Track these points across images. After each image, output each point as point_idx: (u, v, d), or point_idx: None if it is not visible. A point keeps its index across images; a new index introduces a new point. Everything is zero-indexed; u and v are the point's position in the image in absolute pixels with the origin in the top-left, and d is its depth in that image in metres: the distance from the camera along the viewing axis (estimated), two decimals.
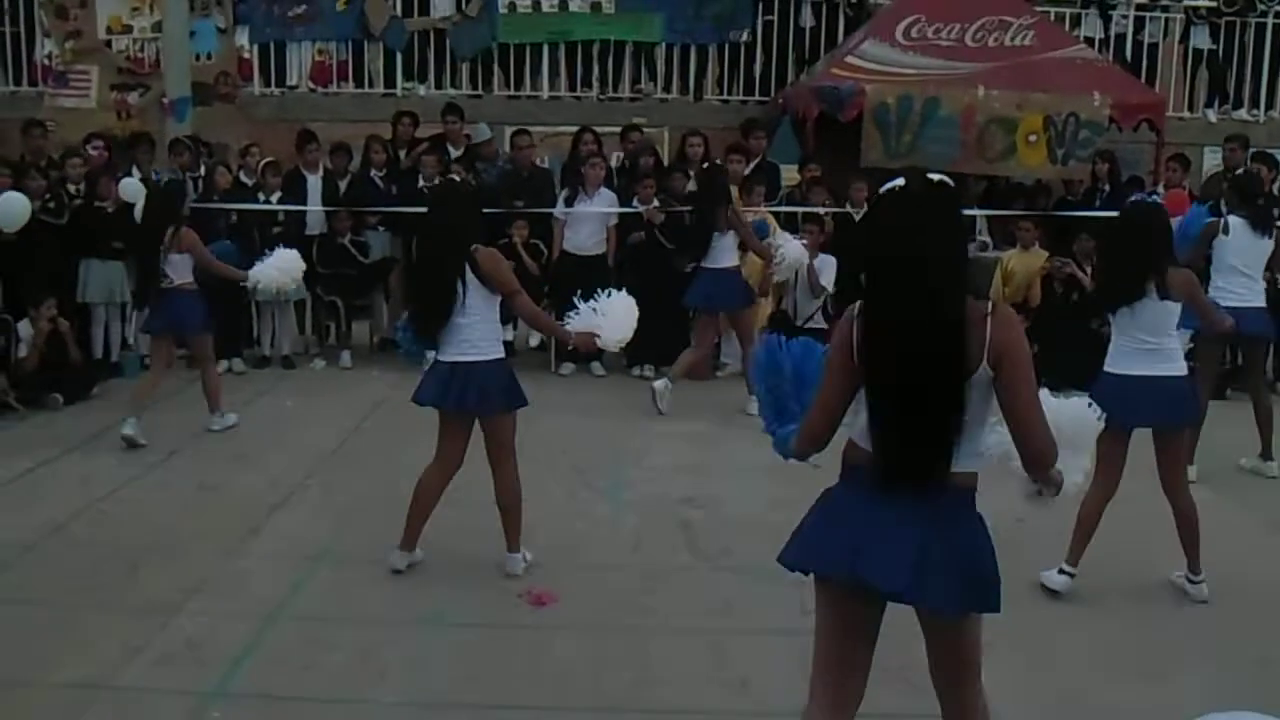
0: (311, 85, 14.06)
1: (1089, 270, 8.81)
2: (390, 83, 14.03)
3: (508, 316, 9.53)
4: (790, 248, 9.21)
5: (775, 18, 13.88)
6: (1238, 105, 13.98)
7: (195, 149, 10.88)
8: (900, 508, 2.99)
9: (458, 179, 10.22)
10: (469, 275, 5.33)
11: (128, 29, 13.89)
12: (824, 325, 10.04)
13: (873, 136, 11.17)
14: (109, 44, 13.82)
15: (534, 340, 10.72)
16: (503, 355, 5.54)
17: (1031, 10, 12.30)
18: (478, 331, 5.40)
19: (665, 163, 11.42)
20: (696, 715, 4.41)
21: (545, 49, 13.95)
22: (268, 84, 14.04)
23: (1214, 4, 13.83)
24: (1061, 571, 5.49)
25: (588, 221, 10.10)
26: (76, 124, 12.71)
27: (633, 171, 10.67)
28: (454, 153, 11.04)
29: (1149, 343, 5.38)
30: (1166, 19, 13.98)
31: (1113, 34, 13.92)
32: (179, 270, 8.04)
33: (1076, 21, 13.84)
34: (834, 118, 11.28)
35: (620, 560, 5.93)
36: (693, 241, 9.07)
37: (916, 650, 3.27)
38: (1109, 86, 11.59)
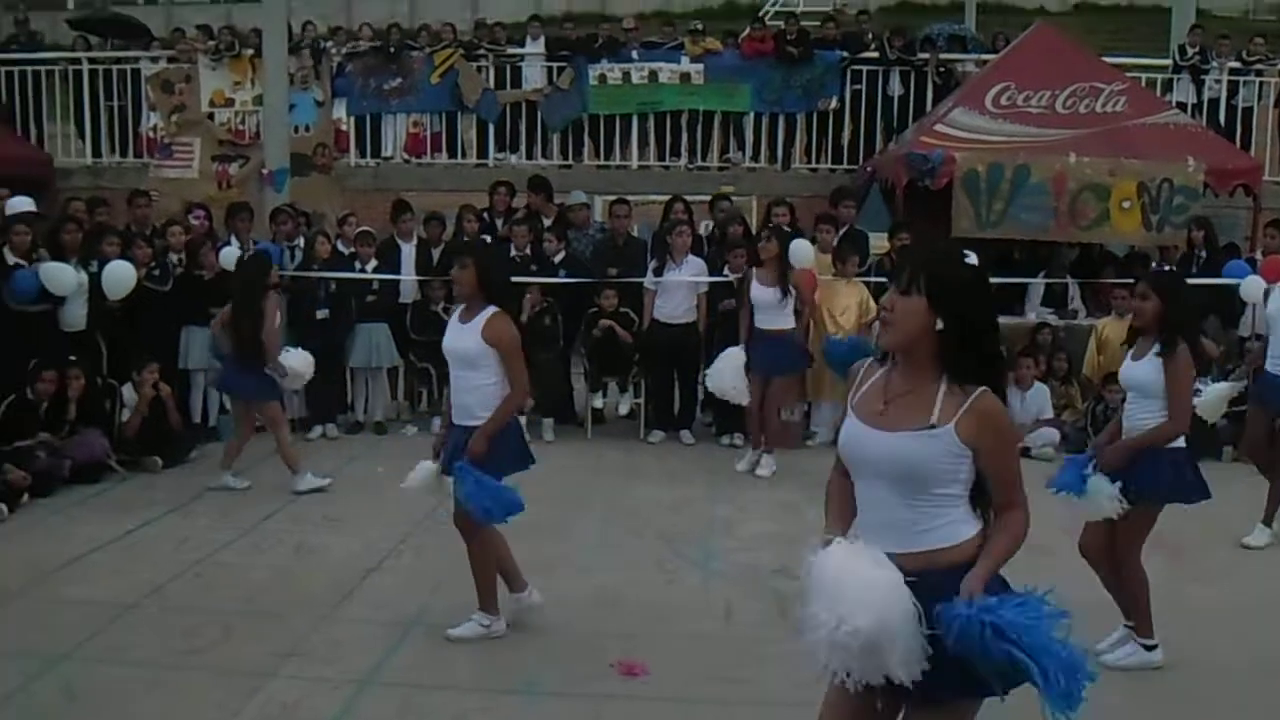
0: (406, 156, 14.39)
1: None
2: (483, 153, 14.27)
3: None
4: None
5: (863, 86, 13.95)
6: None
7: (296, 218, 11.11)
8: None
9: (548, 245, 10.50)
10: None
11: (229, 102, 14.33)
12: None
13: (963, 204, 11.11)
14: (211, 116, 14.28)
15: (623, 409, 10.74)
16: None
17: (1122, 76, 12.22)
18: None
19: (753, 231, 11.45)
20: None
21: (635, 119, 14.14)
22: (363, 155, 14.37)
23: None
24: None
25: (677, 290, 10.14)
26: (179, 193, 13.15)
27: (722, 240, 10.71)
28: (547, 222, 11.16)
29: None
30: (1261, 83, 13.82)
31: (1205, 98, 13.80)
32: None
33: (1169, 86, 13.74)
34: (923, 186, 11.25)
35: (711, 630, 5.89)
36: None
37: None
38: (1203, 151, 11.43)
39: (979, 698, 2.99)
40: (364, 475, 9.09)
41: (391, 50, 14.25)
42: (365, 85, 14.29)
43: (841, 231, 10.80)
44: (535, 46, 14.50)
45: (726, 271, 10.12)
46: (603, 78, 14.00)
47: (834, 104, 13.97)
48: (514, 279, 10.10)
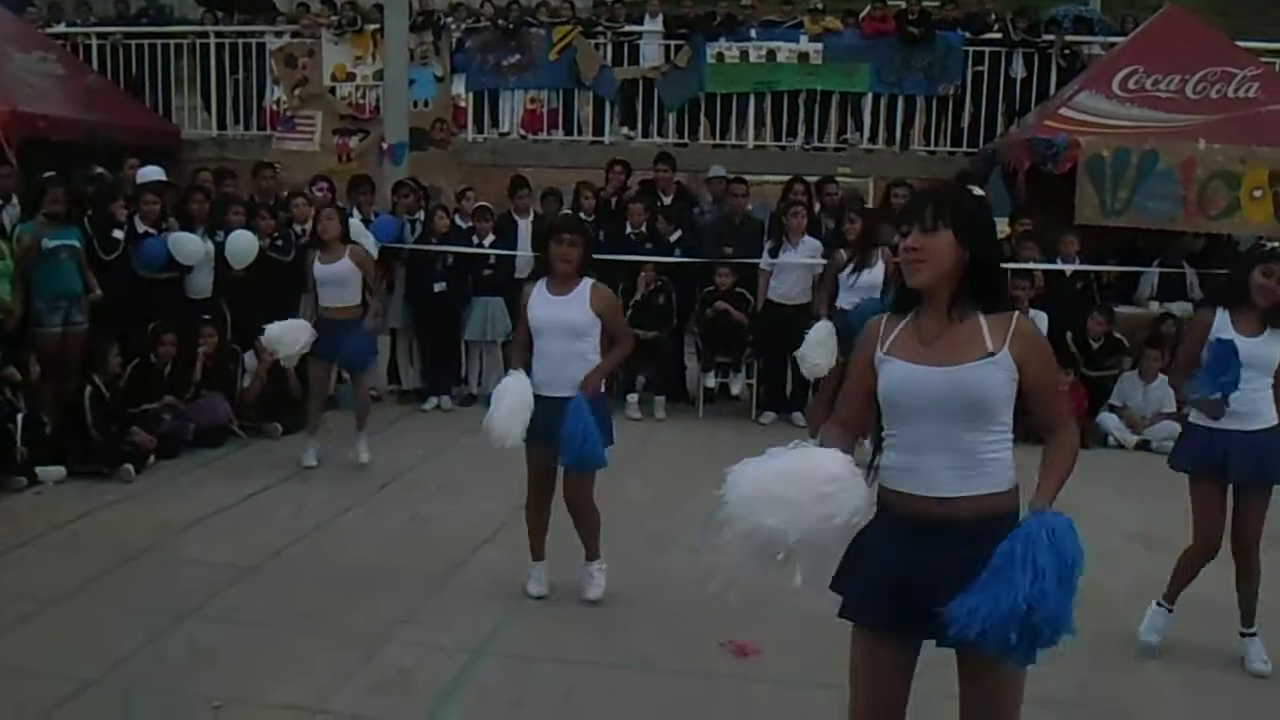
0: (523, 132, 14.46)
1: None
2: (599, 130, 14.30)
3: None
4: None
5: (985, 68, 13.70)
6: None
7: (418, 193, 11.24)
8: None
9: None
10: None
11: (351, 77, 14.57)
12: None
13: (1087, 191, 10.83)
14: (333, 91, 14.54)
15: (736, 389, 10.69)
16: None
17: (1256, 61, 11.82)
18: None
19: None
20: None
21: (751, 98, 14.04)
22: (480, 130, 14.48)
23: None
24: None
25: (792, 271, 10.08)
26: (301, 166, 13.37)
27: (839, 223, 10.60)
28: (664, 200, 11.17)
29: None
30: None
31: None
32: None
33: None
34: (1046, 170, 11.02)
35: (825, 613, 5.83)
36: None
37: None
38: None
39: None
40: (477, 446, 9.17)
41: (510, 27, 14.33)
42: (484, 61, 14.40)
43: None
44: (653, 24, 14.46)
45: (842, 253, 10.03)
46: (720, 56, 13.94)
47: (954, 89, 13.74)
48: (629, 257, 10.24)
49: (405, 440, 8.99)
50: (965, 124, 13.88)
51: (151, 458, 8.25)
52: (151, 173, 10.57)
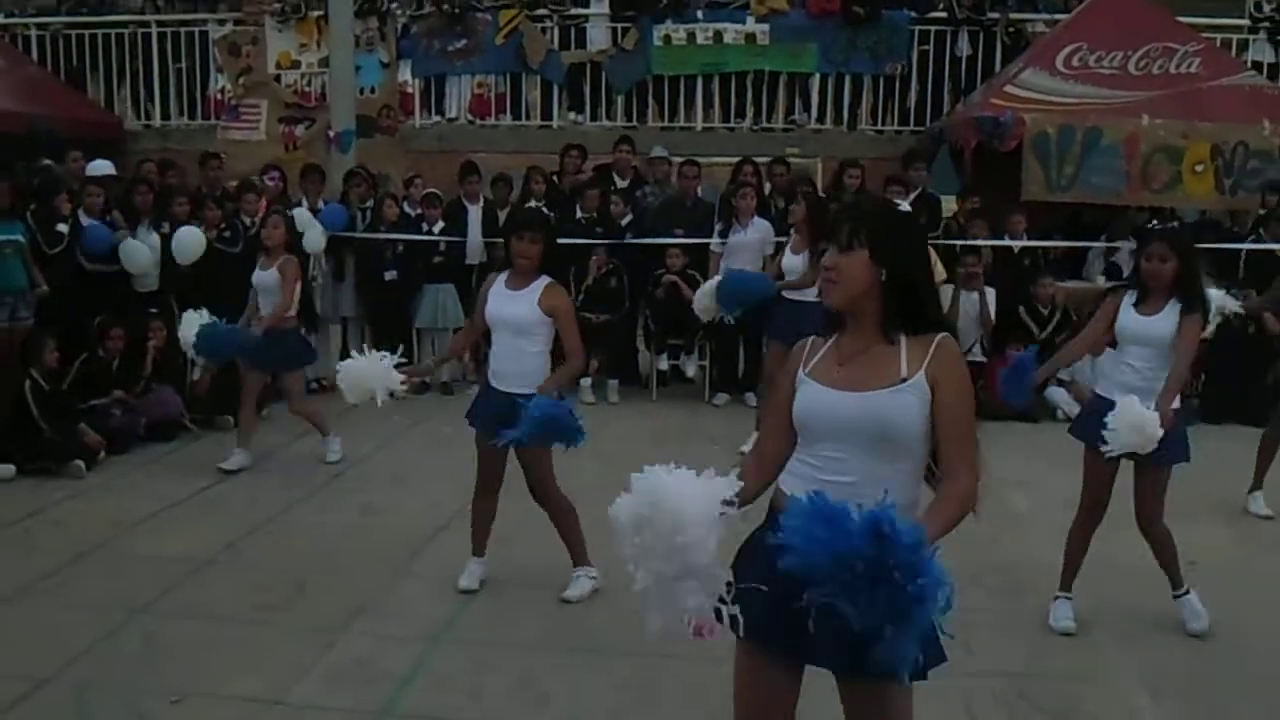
0: (470, 117, 14.39)
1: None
2: (547, 115, 14.27)
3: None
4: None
5: (931, 46, 13.77)
6: None
7: (369, 180, 11.18)
8: None
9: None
10: None
11: (295, 64, 14.44)
12: (981, 359, 9.92)
13: (1033, 168, 10.96)
14: (278, 79, 14.40)
15: (689, 371, 10.70)
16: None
17: (1197, 36, 11.98)
18: None
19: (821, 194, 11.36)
20: None
21: (699, 80, 14.04)
22: (428, 116, 14.41)
23: None
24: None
25: (743, 252, 10.09)
26: (246, 155, 13.25)
27: (789, 202, 10.65)
28: (619, 183, 11.16)
29: None
30: None
31: None
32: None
33: (1244, 46, 13.43)
34: (993, 148, 11.11)
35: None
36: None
37: None
38: None
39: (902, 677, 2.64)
40: (430, 435, 9.18)
41: (456, 12, 14.25)
42: (430, 46, 14.30)
43: (913, 195, 10.70)
44: (599, 7, 14.37)
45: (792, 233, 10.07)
46: (667, 38, 13.90)
47: (901, 69, 13.79)
48: (580, 241, 10.23)
49: (356, 430, 8.94)
50: (912, 103, 13.94)
51: (102, 454, 8.17)
52: (101, 167, 10.50)
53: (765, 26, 13.80)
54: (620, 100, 14.20)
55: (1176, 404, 5.21)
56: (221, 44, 14.53)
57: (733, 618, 2.87)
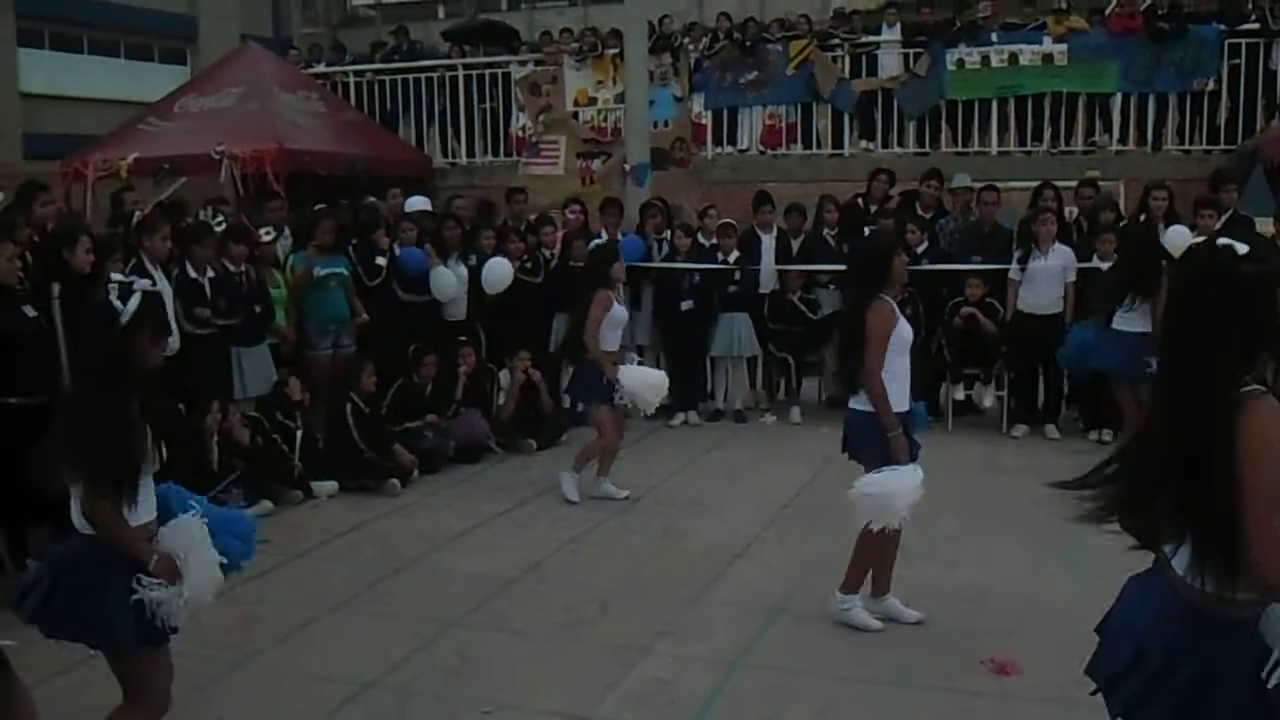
0: (761, 148, 14.48)
1: None
2: (837, 143, 14.22)
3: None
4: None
5: (1242, 60, 13.00)
6: None
7: (665, 212, 11.41)
8: None
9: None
10: None
11: (592, 101, 14.86)
12: None
13: None
14: (575, 115, 14.84)
15: (987, 401, 10.42)
16: None
17: None
18: None
19: (1123, 217, 10.91)
20: None
21: (994, 104, 13.71)
22: (720, 147, 14.58)
23: None
24: None
25: (1043, 279, 9.79)
26: (546, 190, 13.72)
27: (1092, 228, 10.26)
28: (922, 214, 10.98)
29: None
30: None
31: None
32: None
33: None
34: None
35: (1083, 630, 5.64)
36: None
37: None
38: None
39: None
40: (726, 463, 9.25)
41: (748, 43, 14.40)
42: (722, 79, 14.48)
43: (1225, 217, 10.12)
44: (891, 33, 14.31)
45: (1096, 259, 9.70)
46: (961, 62, 13.63)
47: (1210, 85, 13.08)
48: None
49: (655, 455, 9.12)
50: (1222, 120, 13.18)
51: (415, 473, 8.61)
52: (419, 203, 11.10)
53: (1063, 46, 13.35)
54: (912, 126, 14.02)
55: None
56: (523, 84, 15.12)
57: None
